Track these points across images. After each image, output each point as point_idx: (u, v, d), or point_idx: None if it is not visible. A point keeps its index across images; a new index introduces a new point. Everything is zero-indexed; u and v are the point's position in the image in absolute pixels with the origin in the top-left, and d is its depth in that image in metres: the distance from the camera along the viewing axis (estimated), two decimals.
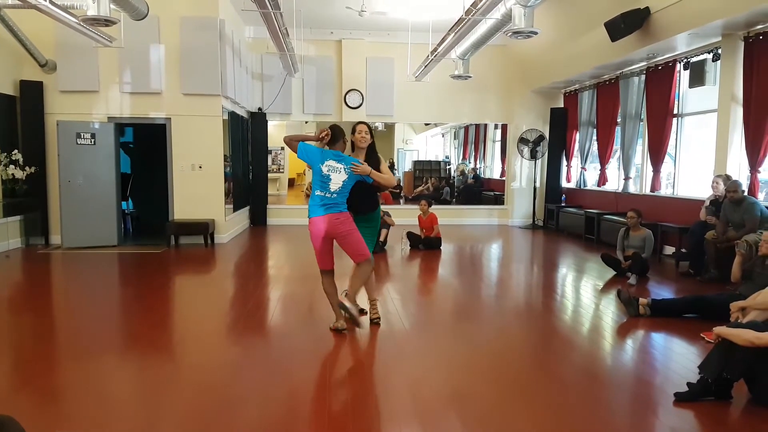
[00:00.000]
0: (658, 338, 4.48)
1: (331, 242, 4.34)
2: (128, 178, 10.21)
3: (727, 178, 6.55)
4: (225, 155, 9.27)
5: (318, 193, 4.22)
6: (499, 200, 12.92)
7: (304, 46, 10.83)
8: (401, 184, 16.61)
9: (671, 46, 7.54)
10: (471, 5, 6.31)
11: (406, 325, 4.72)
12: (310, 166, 4.31)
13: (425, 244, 8.58)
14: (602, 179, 10.25)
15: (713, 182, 6.62)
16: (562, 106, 11.81)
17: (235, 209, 10.14)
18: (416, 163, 17.71)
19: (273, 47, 8.82)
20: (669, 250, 8.02)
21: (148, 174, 10.46)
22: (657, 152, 8.44)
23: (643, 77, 8.82)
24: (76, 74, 8.50)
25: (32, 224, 8.52)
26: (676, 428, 2.93)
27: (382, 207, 9.17)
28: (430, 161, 18.03)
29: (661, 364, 3.94)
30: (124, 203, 9.46)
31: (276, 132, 16.25)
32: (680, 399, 3.17)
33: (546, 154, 11.73)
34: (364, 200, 4.49)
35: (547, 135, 11.70)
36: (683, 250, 7.18)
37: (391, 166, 16.86)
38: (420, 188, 15.67)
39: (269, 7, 6.43)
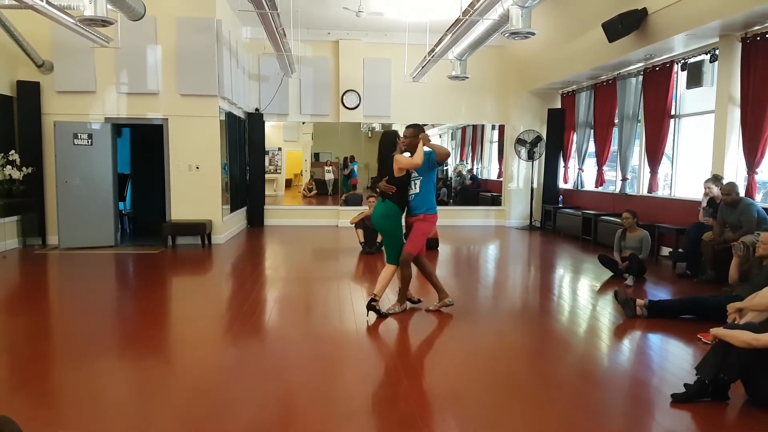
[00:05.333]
0: (655, 339, 4.48)
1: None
2: (126, 178, 10.19)
3: (716, 178, 6.56)
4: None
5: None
6: (496, 201, 12.92)
7: (301, 46, 10.82)
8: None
9: (669, 47, 7.54)
10: (468, 6, 6.31)
11: (402, 325, 4.71)
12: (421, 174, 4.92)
13: None
14: (599, 180, 10.26)
15: (705, 188, 6.62)
16: (559, 106, 11.81)
17: (232, 210, 10.12)
18: None
19: (270, 48, 8.80)
20: (666, 251, 8.02)
21: (146, 174, 10.46)
22: (654, 153, 8.45)
23: (640, 78, 8.83)
24: (73, 75, 8.48)
25: (29, 225, 8.50)
26: (673, 429, 2.93)
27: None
28: None
29: (658, 365, 3.94)
30: (121, 204, 9.44)
31: (273, 133, 16.20)
32: (677, 400, 3.17)
33: (543, 155, 11.73)
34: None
35: (544, 136, 11.70)
36: (680, 251, 7.18)
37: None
38: None
39: (266, 8, 6.42)
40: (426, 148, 4.81)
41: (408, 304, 5.16)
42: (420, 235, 4.96)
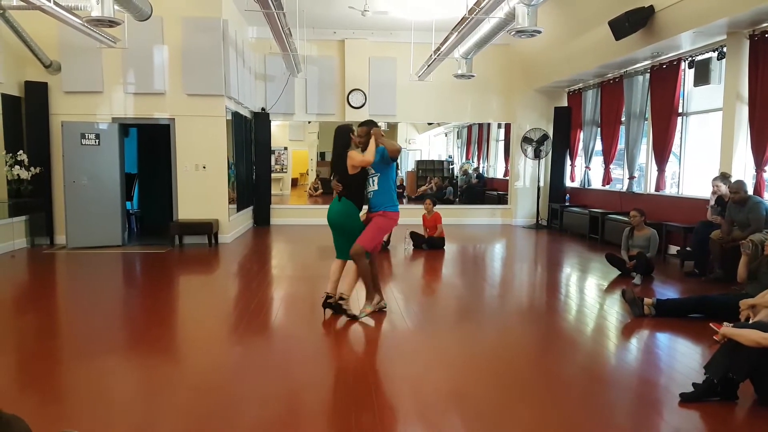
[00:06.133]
0: (663, 338, 4.46)
1: None
2: (133, 178, 10.24)
3: (724, 176, 6.52)
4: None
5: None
6: (502, 200, 12.90)
7: (307, 46, 10.85)
8: (403, 183, 16.61)
9: (676, 45, 7.50)
10: (474, 4, 6.29)
11: (408, 324, 4.71)
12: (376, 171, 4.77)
13: (429, 243, 8.57)
14: (606, 178, 10.22)
15: (713, 186, 6.58)
16: (565, 105, 11.77)
17: (239, 209, 10.15)
18: (419, 162, 17.71)
19: (276, 47, 8.82)
20: (674, 249, 7.99)
21: (153, 174, 10.51)
22: (662, 151, 8.41)
23: (647, 76, 8.79)
24: (80, 75, 8.53)
25: (37, 224, 8.55)
26: (681, 429, 2.92)
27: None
28: (433, 161, 18.02)
29: (666, 364, 3.92)
30: (128, 203, 9.48)
31: (279, 132, 16.21)
32: (685, 399, 3.16)
33: (550, 153, 11.70)
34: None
35: (550, 134, 11.67)
36: (688, 250, 7.15)
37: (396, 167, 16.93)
38: (423, 188, 15.68)
39: (272, 8, 6.43)
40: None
41: (377, 299, 4.97)
42: (376, 230, 4.75)
